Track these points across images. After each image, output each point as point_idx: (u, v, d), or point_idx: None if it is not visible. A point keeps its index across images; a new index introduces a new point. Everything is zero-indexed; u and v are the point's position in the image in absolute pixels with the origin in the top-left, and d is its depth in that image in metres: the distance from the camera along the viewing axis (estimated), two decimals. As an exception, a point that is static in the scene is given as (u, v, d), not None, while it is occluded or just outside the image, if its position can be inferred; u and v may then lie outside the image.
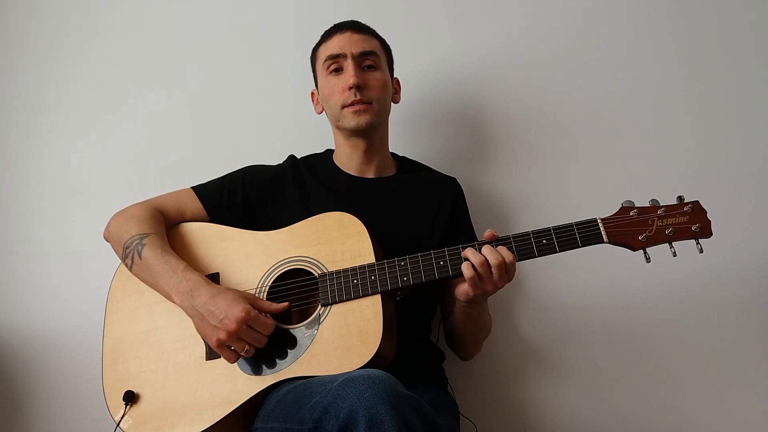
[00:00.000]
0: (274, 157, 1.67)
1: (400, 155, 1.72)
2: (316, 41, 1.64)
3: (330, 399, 1.07)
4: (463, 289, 1.34)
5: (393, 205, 1.56)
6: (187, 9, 2.01)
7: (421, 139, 1.85)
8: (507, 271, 1.30)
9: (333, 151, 1.67)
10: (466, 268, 1.30)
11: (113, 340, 1.47)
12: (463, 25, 1.91)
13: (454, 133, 1.87)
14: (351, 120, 1.52)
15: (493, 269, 1.29)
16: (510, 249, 1.31)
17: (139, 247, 1.42)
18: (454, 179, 1.67)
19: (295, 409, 1.18)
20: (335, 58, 1.54)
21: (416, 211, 1.56)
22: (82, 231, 1.88)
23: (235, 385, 1.34)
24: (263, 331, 1.31)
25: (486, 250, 1.30)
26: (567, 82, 1.86)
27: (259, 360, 1.34)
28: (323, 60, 1.57)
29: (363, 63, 1.55)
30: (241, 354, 1.31)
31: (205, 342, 1.39)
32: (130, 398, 1.38)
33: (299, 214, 1.47)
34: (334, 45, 1.55)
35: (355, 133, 1.55)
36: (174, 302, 1.37)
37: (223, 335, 1.28)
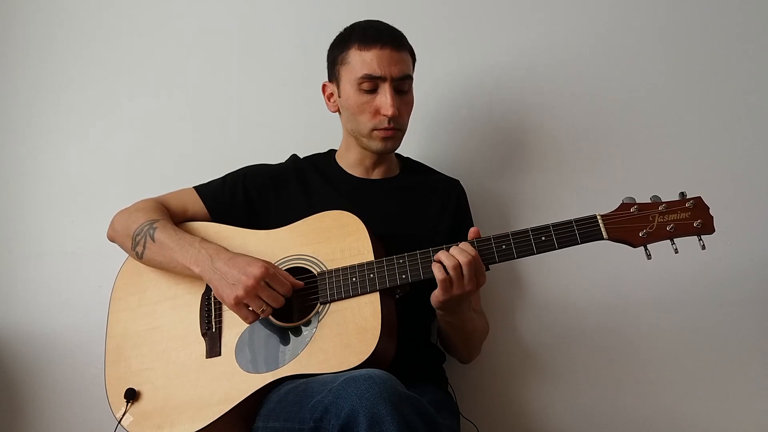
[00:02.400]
0: (275, 157, 1.67)
1: (404, 156, 1.71)
2: (339, 33, 1.54)
3: (331, 398, 1.07)
4: (434, 295, 1.33)
5: (396, 206, 1.56)
6: (187, 9, 2.01)
7: (423, 140, 1.85)
8: (476, 272, 1.28)
9: (336, 151, 1.66)
10: (437, 270, 1.29)
11: (116, 338, 1.47)
12: (467, 28, 1.91)
13: (456, 134, 1.87)
14: (378, 144, 1.50)
15: (463, 269, 1.27)
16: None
17: (151, 231, 1.43)
18: (458, 181, 1.66)
19: (296, 408, 1.18)
20: (373, 79, 1.45)
21: (419, 213, 1.56)
22: (82, 231, 1.88)
23: (235, 382, 1.34)
24: (280, 289, 1.31)
25: (455, 250, 1.29)
26: (568, 80, 1.85)
27: (259, 357, 1.35)
28: (357, 74, 1.46)
29: (399, 87, 1.48)
30: (258, 313, 1.31)
31: (205, 340, 1.40)
32: (132, 395, 1.39)
33: (305, 211, 1.47)
34: (374, 63, 1.44)
35: (378, 153, 1.54)
36: (193, 273, 1.37)
37: (240, 292, 1.29)
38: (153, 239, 1.42)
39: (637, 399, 1.69)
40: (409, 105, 1.53)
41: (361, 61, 1.46)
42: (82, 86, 1.99)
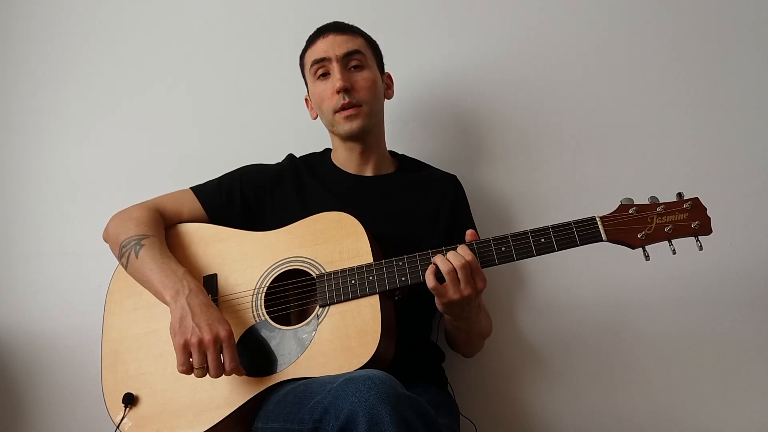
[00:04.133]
0: (274, 156, 1.67)
1: (400, 153, 1.71)
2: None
3: (330, 399, 1.07)
4: (435, 301, 1.33)
5: (392, 204, 1.55)
6: (187, 9, 2.01)
7: (420, 137, 1.85)
8: (473, 276, 1.28)
9: (331, 149, 1.67)
10: (428, 277, 1.28)
11: (112, 342, 1.47)
12: (464, 24, 1.90)
13: (453, 131, 1.86)
14: (344, 125, 1.52)
15: (458, 273, 1.26)
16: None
17: (137, 247, 1.41)
18: (454, 176, 1.66)
19: (296, 409, 1.18)
20: (321, 62, 1.53)
21: (416, 209, 1.56)
22: (82, 231, 1.88)
23: (234, 386, 1.34)
24: (228, 363, 1.27)
25: (450, 254, 1.29)
26: (567, 80, 1.85)
27: (258, 361, 1.34)
28: (310, 65, 1.56)
29: (349, 64, 1.53)
30: (193, 369, 1.27)
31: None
32: (130, 400, 1.39)
33: (298, 213, 1.46)
34: (318, 49, 1.54)
35: (350, 137, 1.54)
36: (164, 299, 1.34)
37: (194, 339, 1.26)
38: (137, 255, 1.41)
39: (636, 399, 1.69)
40: (366, 81, 1.54)
41: (311, 54, 1.57)
42: (82, 86, 1.99)
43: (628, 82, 1.84)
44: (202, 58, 1.98)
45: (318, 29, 1.59)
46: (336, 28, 1.57)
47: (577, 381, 1.71)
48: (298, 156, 1.67)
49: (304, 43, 1.62)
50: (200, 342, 1.26)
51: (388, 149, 1.67)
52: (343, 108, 1.50)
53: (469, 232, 1.34)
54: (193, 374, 1.28)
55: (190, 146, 1.93)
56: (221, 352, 1.27)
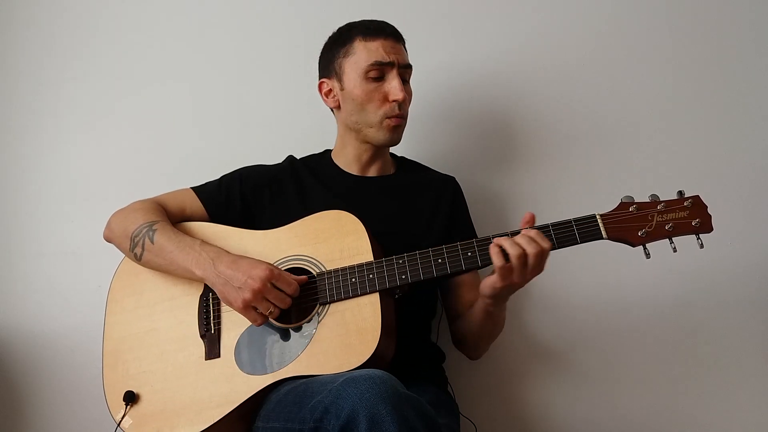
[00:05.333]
0: (274, 157, 1.67)
1: (399, 155, 1.71)
2: (334, 33, 1.57)
3: (331, 399, 1.07)
4: (490, 282, 1.30)
5: (391, 204, 1.56)
6: (187, 9, 2.01)
7: (419, 138, 1.85)
8: (542, 261, 1.26)
9: (331, 150, 1.67)
10: (496, 257, 1.26)
11: (113, 341, 1.47)
12: (463, 25, 1.91)
13: (452, 132, 1.87)
14: (386, 134, 1.51)
15: (529, 258, 1.24)
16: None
17: (150, 233, 1.42)
18: (453, 178, 1.66)
19: (296, 408, 1.18)
20: (383, 65, 1.49)
21: (414, 210, 1.56)
22: (82, 231, 1.88)
23: (235, 384, 1.34)
24: (287, 289, 1.32)
25: (522, 239, 1.25)
26: (567, 79, 1.85)
27: (258, 359, 1.34)
28: (365, 63, 1.48)
29: (404, 76, 1.53)
30: (266, 315, 1.32)
31: (204, 342, 1.40)
32: (131, 398, 1.39)
33: (298, 213, 1.46)
34: (380, 51, 1.49)
35: (385, 145, 1.55)
36: (195, 276, 1.37)
37: (248, 295, 1.29)
38: (152, 241, 1.41)
39: (635, 398, 1.69)
40: (410, 95, 1.56)
41: (368, 51, 1.49)
42: (82, 86, 1.98)
43: (628, 81, 1.84)
44: (203, 58, 1.98)
45: (376, 26, 1.53)
46: (395, 34, 1.54)
47: (577, 381, 1.71)
48: (298, 158, 1.67)
49: (347, 30, 1.54)
50: (254, 295, 1.29)
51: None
52: (394, 117, 1.50)
53: (528, 215, 1.30)
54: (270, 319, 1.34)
55: (191, 146, 1.93)
56: (276, 287, 1.31)
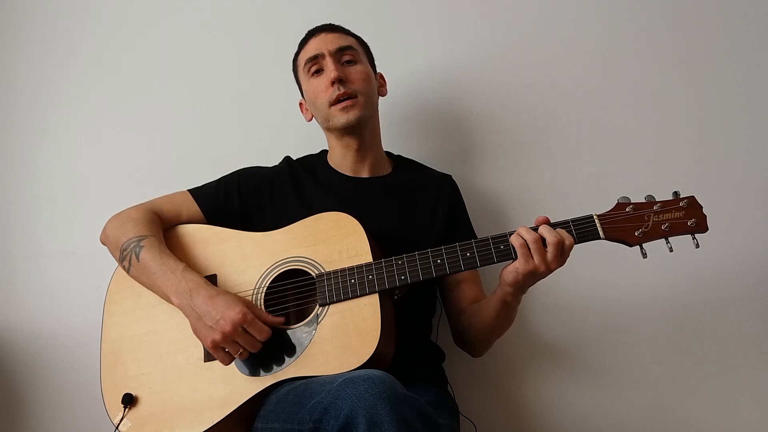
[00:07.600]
0: (272, 157, 1.67)
1: (395, 154, 1.71)
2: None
3: (330, 399, 1.07)
4: (512, 267, 1.29)
5: (389, 204, 1.55)
6: (187, 9, 2.01)
7: (416, 137, 1.85)
8: (563, 253, 1.27)
9: (328, 151, 1.67)
10: (515, 238, 1.27)
11: (111, 342, 1.47)
12: (459, 23, 1.90)
13: (449, 131, 1.87)
14: (340, 117, 1.51)
15: (549, 247, 1.25)
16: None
17: (137, 249, 1.42)
18: (450, 176, 1.66)
19: (296, 409, 1.18)
20: (314, 59, 1.55)
21: (412, 210, 1.56)
22: (82, 231, 1.88)
23: (234, 386, 1.34)
24: (258, 335, 1.30)
25: (543, 228, 1.27)
26: (563, 79, 1.86)
27: (258, 361, 1.34)
28: (303, 65, 1.58)
29: (342, 59, 1.55)
30: (235, 357, 1.31)
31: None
32: (129, 401, 1.39)
33: (296, 214, 1.46)
34: (311, 48, 1.57)
35: (347, 130, 1.54)
36: (172, 303, 1.36)
37: (218, 336, 1.29)
38: (138, 258, 1.41)
39: (635, 398, 1.70)
40: (360, 73, 1.56)
41: (304, 54, 1.59)
42: (81, 86, 1.99)
43: (624, 81, 1.84)
44: (203, 58, 1.98)
45: (309, 31, 1.61)
46: (327, 27, 1.60)
47: (577, 381, 1.72)
48: (294, 158, 1.67)
49: (296, 48, 1.63)
50: (224, 337, 1.29)
51: (384, 150, 1.67)
52: (339, 100, 1.51)
53: (540, 218, 1.31)
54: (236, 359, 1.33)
55: (190, 146, 1.93)
56: (248, 332, 1.30)
